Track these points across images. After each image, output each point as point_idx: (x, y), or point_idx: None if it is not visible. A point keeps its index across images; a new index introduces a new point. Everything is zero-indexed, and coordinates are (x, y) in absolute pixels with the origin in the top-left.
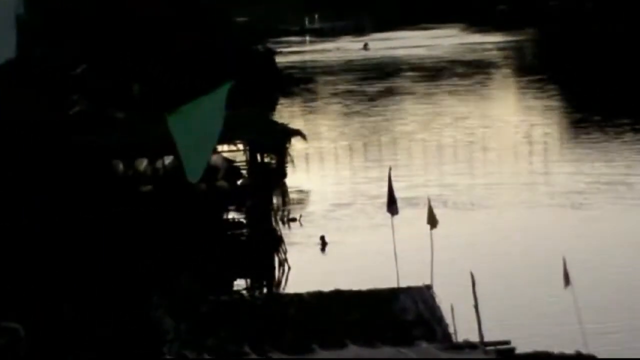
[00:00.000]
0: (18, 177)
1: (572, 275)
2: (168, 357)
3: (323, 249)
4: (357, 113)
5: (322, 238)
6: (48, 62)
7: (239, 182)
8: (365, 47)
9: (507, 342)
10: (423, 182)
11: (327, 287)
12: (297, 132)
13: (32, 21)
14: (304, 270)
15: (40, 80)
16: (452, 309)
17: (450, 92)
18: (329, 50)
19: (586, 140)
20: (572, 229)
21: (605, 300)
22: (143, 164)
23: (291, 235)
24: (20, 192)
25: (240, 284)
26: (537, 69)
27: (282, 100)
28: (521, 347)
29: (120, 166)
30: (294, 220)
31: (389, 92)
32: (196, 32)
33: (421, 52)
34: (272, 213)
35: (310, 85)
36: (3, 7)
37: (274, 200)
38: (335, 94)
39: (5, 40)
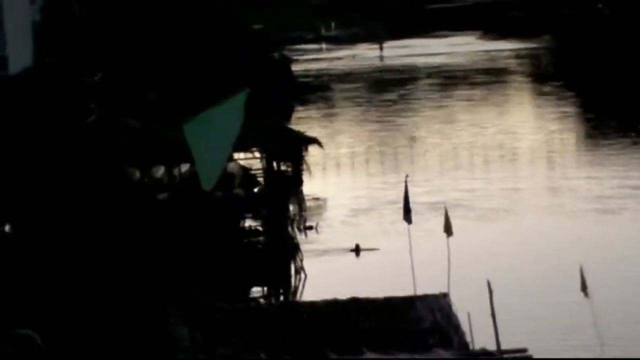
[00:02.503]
0: (35, 185)
1: (590, 283)
2: None
3: (357, 255)
4: (374, 120)
5: (357, 246)
6: (64, 70)
7: (255, 190)
8: (381, 48)
9: (524, 350)
10: (440, 188)
11: (343, 295)
12: (313, 140)
13: (49, 29)
14: (321, 277)
15: (57, 89)
16: (469, 317)
17: (466, 99)
18: (345, 58)
19: (604, 146)
20: (591, 236)
21: (623, 308)
22: (160, 171)
23: (308, 242)
24: (37, 199)
25: (256, 291)
26: (553, 75)
27: (298, 108)
28: (538, 355)
29: (137, 174)
30: (310, 227)
31: (405, 99)
32: (212, 39)
33: (437, 59)
34: (289, 221)
35: (327, 93)
36: (20, 15)
37: (291, 208)
38: (351, 101)
39: (21, 48)
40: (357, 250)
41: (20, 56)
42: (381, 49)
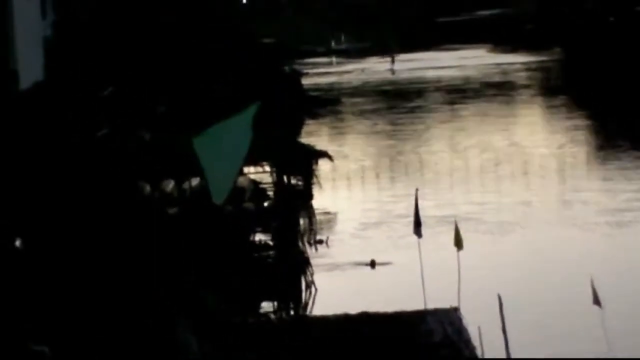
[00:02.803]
0: (45, 199)
1: (602, 296)
2: None
3: (373, 268)
4: (384, 133)
5: (373, 261)
6: (74, 83)
7: (265, 204)
8: (393, 61)
9: None
10: (451, 201)
11: (353, 309)
12: (324, 154)
13: (60, 43)
14: (331, 292)
15: (67, 102)
16: (479, 331)
17: (476, 112)
18: (355, 71)
19: (616, 158)
20: (602, 248)
21: (636, 320)
22: (170, 185)
23: (318, 256)
24: (48, 213)
25: (266, 305)
26: (564, 88)
27: (308, 122)
28: None
29: (147, 187)
30: (320, 242)
31: (416, 113)
32: (222, 53)
33: (447, 72)
34: (299, 235)
35: (337, 106)
36: (31, 30)
37: (301, 222)
38: (361, 115)
39: (33, 63)
40: (372, 264)
41: (31, 70)
42: (393, 62)
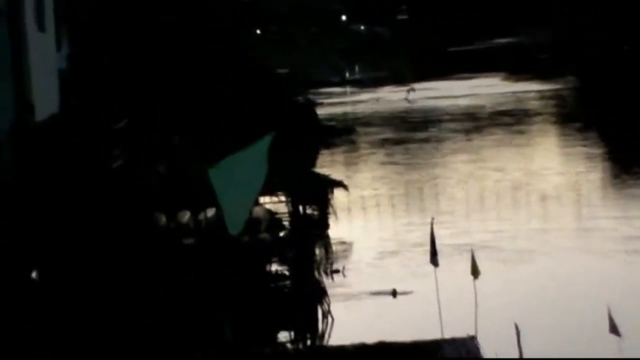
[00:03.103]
0: (61, 231)
1: (620, 325)
2: None
3: (394, 297)
4: (399, 162)
5: (394, 291)
6: (90, 116)
7: (281, 234)
8: (409, 91)
9: None
10: (467, 230)
11: (371, 339)
12: (339, 183)
13: (75, 76)
14: (348, 321)
15: (82, 135)
16: None
17: (491, 141)
18: (369, 101)
19: (631, 186)
20: (620, 277)
21: None
22: (186, 216)
23: (334, 286)
24: (64, 245)
25: (283, 336)
26: (579, 116)
27: (323, 151)
28: None
29: (163, 219)
30: (337, 271)
31: (430, 141)
32: (237, 84)
33: (461, 101)
34: (315, 265)
35: (351, 136)
36: (46, 62)
37: (317, 252)
38: (376, 144)
39: (48, 95)
40: (394, 294)
41: (46, 103)
42: (409, 92)
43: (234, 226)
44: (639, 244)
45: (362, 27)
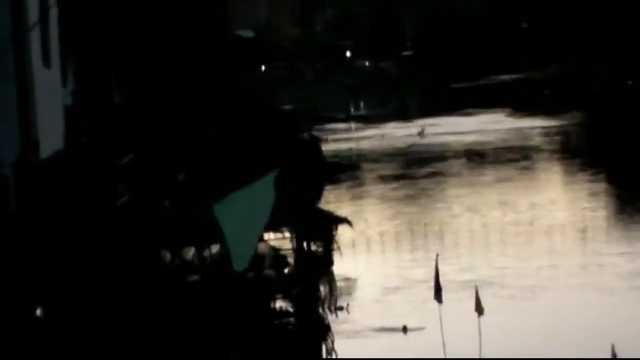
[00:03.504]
0: (66, 268)
1: None
2: None
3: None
4: (403, 198)
5: (405, 327)
6: (94, 152)
7: (285, 271)
8: (421, 133)
9: None
10: (472, 266)
11: None
12: (343, 219)
13: (80, 112)
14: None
15: (87, 171)
16: None
17: (496, 176)
18: (374, 137)
19: (636, 223)
20: (626, 314)
21: None
22: (190, 252)
23: (339, 322)
24: (69, 282)
25: None
26: (584, 152)
27: (327, 187)
28: None
29: (168, 255)
30: (341, 308)
31: (435, 177)
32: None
33: (467, 137)
34: (319, 301)
35: (356, 172)
36: (52, 98)
37: (321, 288)
38: (381, 180)
39: (53, 132)
40: (404, 330)
41: (51, 140)
42: (420, 133)
43: (240, 262)
44: None
45: (367, 63)
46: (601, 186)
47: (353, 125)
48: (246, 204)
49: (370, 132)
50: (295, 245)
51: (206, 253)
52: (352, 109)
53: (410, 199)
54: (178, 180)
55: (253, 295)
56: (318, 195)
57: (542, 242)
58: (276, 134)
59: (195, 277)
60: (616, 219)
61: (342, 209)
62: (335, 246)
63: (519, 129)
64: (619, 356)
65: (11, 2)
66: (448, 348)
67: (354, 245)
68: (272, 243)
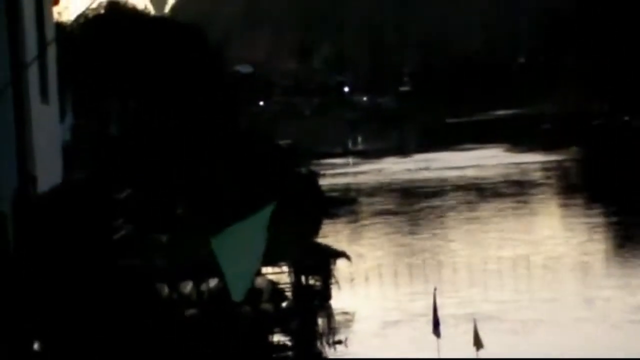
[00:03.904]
0: (63, 302)
1: None
2: None
3: None
4: (401, 232)
5: None
6: (92, 186)
7: (283, 305)
8: (427, 168)
9: None
10: (470, 299)
11: None
12: (341, 254)
13: (78, 147)
14: None
15: (84, 205)
16: None
17: (495, 211)
18: (371, 172)
19: (635, 256)
20: (627, 347)
21: None
22: (188, 287)
23: (337, 357)
24: (66, 316)
25: None
26: (582, 187)
27: (325, 222)
28: None
29: (165, 289)
30: (339, 342)
31: (433, 212)
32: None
33: (465, 172)
34: (318, 335)
35: (354, 207)
36: (49, 134)
37: (319, 322)
38: (378, 214)
39: (51, 167)
40: None
41: (49, 175)
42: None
43: (237, 293)
44: None
45: (365, 99)
46: (599, 220)
47: (351, 160)
48: (243, 237)
49: (368, 166)
50: (293, 279)
51: (204, 287)
52: (350, 144)
53: (408, 233)
54: (176, 214)
55: (251, 329)
56: (316, 230)
57: (541, 276)
58: (274, 168)
59: (193, 311)
60: (614, 253)
61: (340, 243)
62: (333, 280)
63: (517, 164)
64: None
65: (10, 37)
66: None
67: (352, 279)
68: (270, 277)
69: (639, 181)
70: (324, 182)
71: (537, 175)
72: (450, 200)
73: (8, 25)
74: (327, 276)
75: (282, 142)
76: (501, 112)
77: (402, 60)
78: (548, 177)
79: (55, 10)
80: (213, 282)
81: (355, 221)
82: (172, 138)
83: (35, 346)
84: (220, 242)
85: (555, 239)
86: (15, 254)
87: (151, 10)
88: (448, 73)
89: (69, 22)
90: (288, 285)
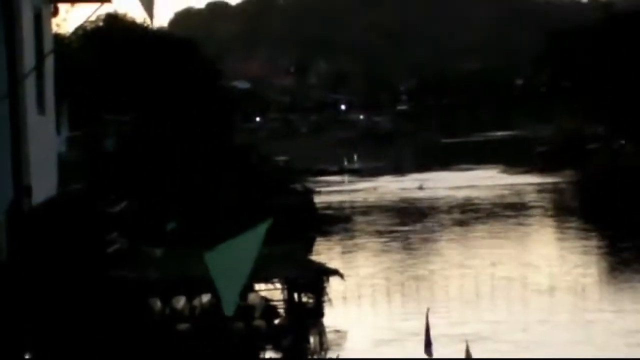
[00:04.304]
0: (57, 316)
1: None
2: None
3: None
4: (395, 251)
5: None
6: (86, 199)
7: (276, 321)
8: (420, 187)
9: None
10: (462, 320)
11: None
12: (334, 271)
13: (73, 159)
14: None
15: (79, 218)
16: None
17: (489, 232)
18: (366, 190)
19: (629, 280)
20: None
21: None
22: (181, 301)
23: None
24: (60, 331)
25: None
26: (577, 210)
27: (319, 239)
28: None
29: (158, 303)
30: None
31: (427, 231)
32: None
33: (460, 192)
34: (309, 353)
35: (348, 225)
36: (45, 145)
37: (311, 340)
38: (372, 233)
39: (47, 178)
40: None
41: (44, 186)
42: (422, 188)
43: (229, 308)
44: (638, 338)
45: (362, 117)
46: (594, 243)
47: (346, 178)
48: (237, 253)
49: (363, 185)
50: (286, 296)
51: (196, 302)
52: (345, 162)
53: (402, 252)
54: (169, 228)
55: (243, 345)
56: (309, 247)
57: (535, 298)
58: (269, 185)
59: (185, 326)
60: (609, 277)
61: (333, 261)
62: (326, 298)
63: (513, 185)
64: None
65: (7, 49)
66: None
67: (344, 297)
68: (263, 294)
69: (634, 205)
70: (318, 199)
71: (532, 197)
72: (445, 220)
73: (6, 38)
74: (320, 294)
75: (278, 159)
76: (497, 133)
77: (399, 79)
78: (543, 199)
79: (54, 21)
80: (206, 297)
81: (349, 239)
82: (167, 152)
83: (27, 356)
84: (214, 258)
85: (549, 261)
86: (9, 263)
87: (150, 23)
88: (445, 93)
89: (67, 34)
90: (281, 302)
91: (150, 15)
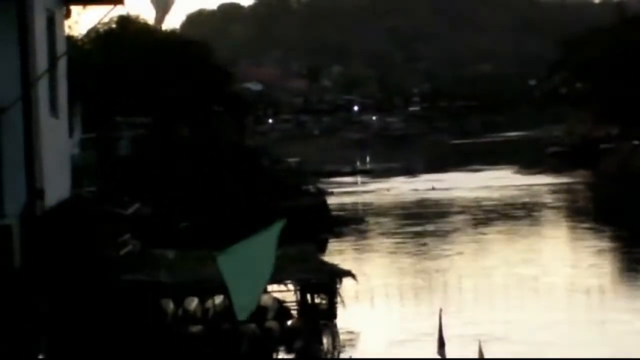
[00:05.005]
0: (69, 319)
1: None
2: None
3: None
4: (408, 252)
5: None
6: (99, 201)
7: (289, 323)
8: (434, 188)
9: None
10: (476, 320)
11: None
12: (347, 273)
13: (86, 161)
14: None
15: (92, 220)
16: None
17: (502, 233)
18: (379, 191)
19: None
20: None
21: None
22: (193, 303)
23: None
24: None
25: None
26: (590, 210)
27: (332, 240)
28: None
29: (171, 305)
30: None
31: (440, 232)
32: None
33: (473, 193)
34: (322, 354)
35: (361, 226)
36: (58, 148)
37: (324, 341)
38: (385, 234)
39: (60, 181)
40: None
41: (57, 189)
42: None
43: (242, 312)
44: None
45: (374, 118)
46: (607, 244)
47: (359, 179)
48: (251, 255)
49: (376, 186)
50: (299, 298)
51: (209, 304)
52: (358, 163)
53: (415, 252)
54: (182, 230)
55: (256, 348)
56: (322, 248)
57: (549, 298)
58: (281, 186)
59: (197, 328)
60: (623, 277)
61: (346, 262)
62: (338, 299)
63: (526, 186)
64: None
65: (20, 51)
66: None
67: (357, 298)
68: (276, 295)
69: None
70: (331, 200)
71: (545, 198)
72: (457, 220)
73: (19, 41)
74: (332, 295)
75: (290, 160)
76: (510, 134)
77: (412, 84)
78: (557, 200)
79: (66, 23)
80: (218, 299)
81: (362, 240)
82: (179, 153)
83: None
84: (227, 259)
85: (563, 261)
86: (22, 267)
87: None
88: (458, 96)
89: (80, 36)
90: (293, 304)
91: (161, 20)
